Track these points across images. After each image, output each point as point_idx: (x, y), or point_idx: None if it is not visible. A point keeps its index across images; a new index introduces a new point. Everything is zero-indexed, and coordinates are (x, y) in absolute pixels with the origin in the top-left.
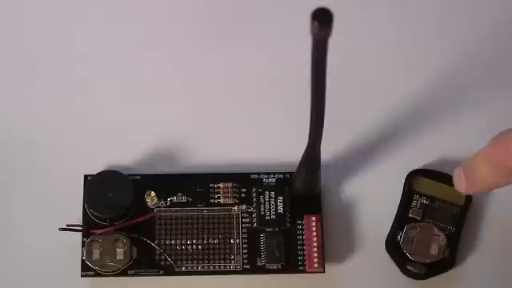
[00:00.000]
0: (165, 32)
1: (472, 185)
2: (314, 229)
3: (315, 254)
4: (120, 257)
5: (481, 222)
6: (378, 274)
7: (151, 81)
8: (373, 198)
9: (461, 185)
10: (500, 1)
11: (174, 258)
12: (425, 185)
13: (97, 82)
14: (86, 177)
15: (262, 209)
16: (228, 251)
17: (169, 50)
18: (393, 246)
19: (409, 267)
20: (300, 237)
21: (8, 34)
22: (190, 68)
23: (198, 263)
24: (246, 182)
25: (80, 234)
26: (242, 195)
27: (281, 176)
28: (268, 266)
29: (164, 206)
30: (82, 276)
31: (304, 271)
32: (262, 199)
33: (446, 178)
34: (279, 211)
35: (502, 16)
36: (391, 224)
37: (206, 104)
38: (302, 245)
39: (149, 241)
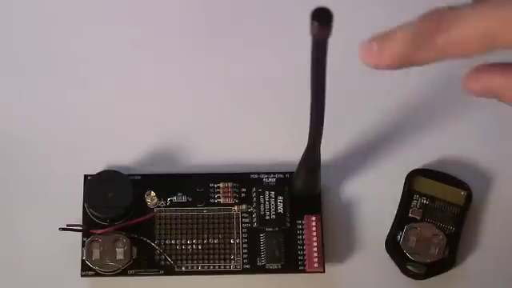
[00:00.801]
0: (165, 32)
1: (384, 54)
2: (314, 229)
3: (315, 254)
4: (120, 257)
5: (481, 222)
6: (378, 274)
7: (151, 81)
8: (373, 198)
9: (369, 54)
10: None
11: (173, 257)
12: (425, 185)
13: (97, 81)
14: (85, 177)
15: (261, 209)
16: (228, 251)
17: (169, 50)
18: (393, 246)
19: (409, 267)
20: (300, 237)
21: (8, 34)
22: (190, 68)
23: (198, 263)
24: (246, 182)
25: (80, 234)
26: (242, 195)
27: (281, 176)
28: (268, 266)
29: (164, 206)
30: (81, 276)
31: (304, 271)
32: (261, 199)
33: (446, 178)
34: (279, 211)
35: None
36: (391, 224)
37: (206, 104)
38: (302, 245)
39: (149, 241)
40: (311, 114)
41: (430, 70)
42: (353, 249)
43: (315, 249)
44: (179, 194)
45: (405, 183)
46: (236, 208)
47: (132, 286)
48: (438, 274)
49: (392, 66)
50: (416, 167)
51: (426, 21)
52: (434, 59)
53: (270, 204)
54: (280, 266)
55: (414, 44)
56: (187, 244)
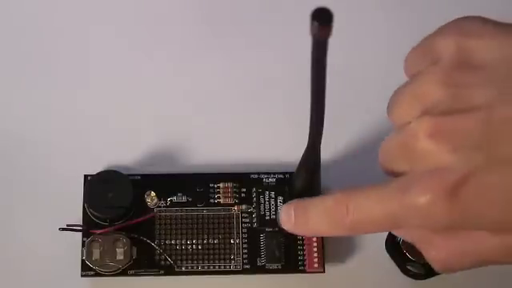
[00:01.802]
0: (165, 32)
1: (301, 228)
2: None
3: (315, 254)
4: (120, 257)
5: None
6: (378, 274)
7: (151, 81)
8: None
9: (286, 221)
10: (498, 2)
11: (174, 258)
12: None
13: (97, 81)
14: (85, 177)
15: (261, 209)
16: (228, 251)
17: (169, 50)
18: (393, 246)
19: (409, 267)
20: (300, 237)
21: (8, 34)
22: (190, 68)
23: (198, 263)
24: (246, 181)
25: (80, 234)
26: (242, 195)
27: (281, 176)
28: (268, 266)
29: (164, 206)
30: (81, 276)
31: (304, 271)
32: (261, 199)
33: None
34: (279, 211)
35: (501, 16)
36: None
37: (206, 104)
38: (302, 245)
39: (149, 241)
40: (311, 114)
41: None
42: (353, 249)
43: (315, 249)
44: (179, 194)
45: None
46: (236, 208)
47: (132, 286)
48: (438, 273)
49: (307, 235)
50: None
51: (335, 203)
52: (346, 235)
53: (270, 204)
54: (280, 266)
55: (326, 223)
56: (187, 244)
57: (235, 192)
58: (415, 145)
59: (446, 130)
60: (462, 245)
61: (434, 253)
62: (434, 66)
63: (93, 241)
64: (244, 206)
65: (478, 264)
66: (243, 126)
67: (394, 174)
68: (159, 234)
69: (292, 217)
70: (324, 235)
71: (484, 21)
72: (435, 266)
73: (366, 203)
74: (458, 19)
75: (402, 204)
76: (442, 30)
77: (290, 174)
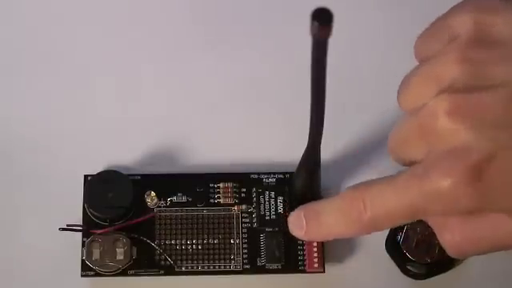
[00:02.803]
0: (165, 32)
1: (314, 234)
2: None
3: (315, 254)
4: (120, 257)
5: None
6: (378, 274)
7: (151, 81)
8: None
9: (298, 229)
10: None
11: (173, 258)
12: None
13: (97, 81)
14: (85, 177)
15: (261, 209)
16: (228, 251)
17: (169, 50)
18: (393, 246)
19: (409, 267)
20: None
21: (7, 33)
22: (189, 68)
23: (198, 263)
24: (246, 181)
25: (80, 234)
26: (242, 195)
27: (281, 176)
28: (268, 266)
29: (164, 206)
30: (81, 276)
31: (304, 271)
32: (261, 199)
33: None
34: (279, 211)
35: None
36: None
37: (206, 104)
38: (302, 245)
39: (149, 241)
40: (311, 114)
41: None
42: (353, 249)
43: (315, 249)
44: (179, 194)
45: None
46: (236, 208)
47: (132, 286)
48: (437, 274)
49: (321, 240)
50: None
51: (350, 201)
52: (363, 234)
53: (270, 204)
54: (280, 266)
55: (342, 224)
56: (187, 244)
57: (235, 192)
58: (434, 124)
59: (466, 107)
60: (480, 229)
61: (448, 236)
62: (451, 45)
63: (93, 241)
64: (244, 206)
65: (494, 249)
66: (243, 125)
67: (409, 162)
68: (159, 234)
69: (303, 223)
70: (341, 237)
71: None
72: (449, 251)
73: (383, 196)
74: None
75: (421, 191)
76: (457, 8)
77: (290, 173)
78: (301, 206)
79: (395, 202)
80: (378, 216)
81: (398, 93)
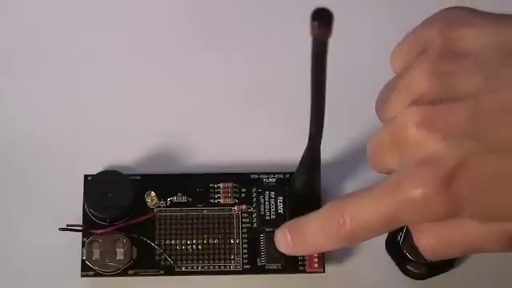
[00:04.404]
0: (164, 32)
1: (300, 248)
2: None
3: (315, 254)
4: (120, 257)
5: None
6: (378, 274)
7: (151, 81)
8: None
9: (284, 245)
10: (498, 2)
11: (173, 258)
12: None
13: (96, 81)
14: (86, 177)
15: (261, 209)
16: (228, 251)
17: (169, 50)
18: (393, 246)
19: (409, 267)
20: None
21: (7, 33)
22: (189, 68)
23: (198, 263)
24: (246, 181)
25: (80, 233)
26: (242, 195)
27: (281, 176)
28: (268, 266)
29: (164, 206)
30: (81, 276)
31: (304, 271)
32: (261, 199)
33: None
34: (279, 211)
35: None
36: None
37: (206, 104)
38: None
39: (149, 241)
40: (311, 114)
41: None
42: (353, 249)
43: None
44: (179, 194)
45: None
46: (236, 208)
47: (132, 286)
48: (438, 274)
49: (307, 253)
50: None
51: (331, 215)
52: (347, 245)
53: (269, 204)
54: (280, 267)
55: (325, 238)
56: (187, 244)
57: (235, 192)
58: (405, 135)
59: (434, 118)
60: (453, 233)
61: (424, 241)
62: (420, 58)
63: (93, 241)
64: (244, 206)
65: (467, 252)
66: (243, 126)
67: (385, 171)
68: (159, 234)
69: (289, 239)
70: (326, 250)
71: (471, 10)
72: (424, 254)
73: (361, 209)
74: (445, 9)
75: (396, 202)
76: (427, 21)
77: (290, 173)
78: (285, 223)
79: (372, 214)
80: (358, 228)
81: (376, 105)
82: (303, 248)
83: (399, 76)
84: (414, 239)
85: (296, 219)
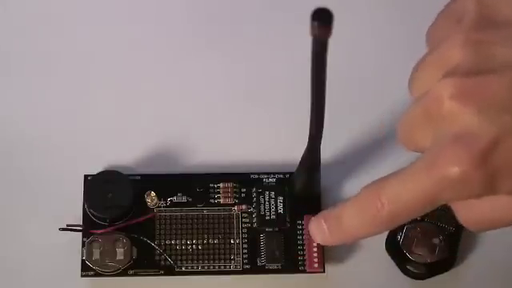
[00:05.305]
0: (165, 32)
1: (337, 236)
2: None
3: (315, 254)
4: (120, 257)
5: None
6: (378, 274)
7: (151, 81)
8: None
9: (321, 235)
10: None
11: (173, 258)
12: None
13: (96, 81)
14: (86, 177)
15: (261, 209)
16: (228, 251)
17: (168, 50)
18: (393, 246)
19: (409, 267)
20: (300, 237)
21: (7, 33)
22: (189, 68)
23: (198, 263)
24: (246, 182)
25: (80, 233)
26: (242, 195)
27: (281, 176)
28: (268, 266)
29: (164, 206)
30: (81, 276)
31: (304, 271)
32: (262, 199)
33: None
34: (279, 211)
35: None
36: None
37: (206, 104)
38: (302, 245)
39: (149, 241)
40: (311, 114)
41: None
42: (353, 249)
43: (315, 249)
44: (179, 194)
45: None
46: (236, 208)
47: (132, 286)
48: (438, 274)
49: (344, 242)
50: None
51: (367, 200)
52: (385, 230)
53: (270, 204)
54: (280, 267)
55: (363, 223)
56: (187, 244)
57: (235, 192)
58: (438, 109)
59: (470, 90)
60: (491, 209)
61: (465, 217)
62: (455, 28)
63: (93, 241)
64: (244, 206)
65: (508, 225)
66: (243, 126)
67: (418, 148)
68: (159, 234)
69: (325, 228)
70: (364, 237)
71: None
72: (468, 227)
73: (397, 191)
74: None
75: (433, 181)
76: None
77: (290, 173)
78: (319, 214)
79: (409, 194)
80: (396, 210)
81: (409, 81)
82: (341, 236)
83: (433, 49)
84: (453, 209)
85: (329, 209)
